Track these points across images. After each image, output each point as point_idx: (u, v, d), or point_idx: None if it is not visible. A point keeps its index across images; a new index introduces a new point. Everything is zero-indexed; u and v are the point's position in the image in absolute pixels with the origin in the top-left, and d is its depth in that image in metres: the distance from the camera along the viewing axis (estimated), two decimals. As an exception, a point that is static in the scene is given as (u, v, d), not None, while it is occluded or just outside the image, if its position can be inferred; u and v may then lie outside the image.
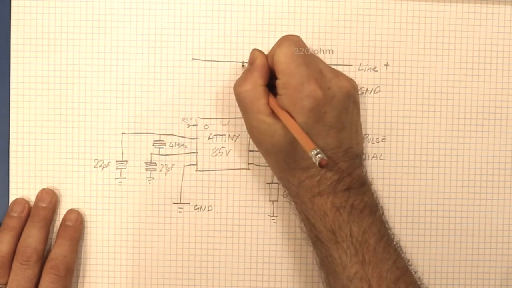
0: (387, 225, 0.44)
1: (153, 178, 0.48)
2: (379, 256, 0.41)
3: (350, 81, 0.44)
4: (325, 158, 0.38)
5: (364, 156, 0.46)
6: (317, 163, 0.38)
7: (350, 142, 0.43)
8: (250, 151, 0.48)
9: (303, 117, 0.41)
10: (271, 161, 0.44)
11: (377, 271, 0.41)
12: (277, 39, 0.47)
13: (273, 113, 0.42)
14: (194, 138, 0.48)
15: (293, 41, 0.42)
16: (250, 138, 0.47)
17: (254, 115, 0.42)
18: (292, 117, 0.41)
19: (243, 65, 0.47)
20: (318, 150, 0.38)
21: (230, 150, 0.48)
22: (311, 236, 0.44)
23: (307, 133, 0.40)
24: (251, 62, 0.44)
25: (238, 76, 0.46)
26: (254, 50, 0.44)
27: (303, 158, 0.42)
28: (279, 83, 0.42)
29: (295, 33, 0.47)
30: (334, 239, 0.41)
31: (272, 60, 0.42)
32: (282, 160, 0.42)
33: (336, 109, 0.42)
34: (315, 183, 0.42)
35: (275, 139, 0.42)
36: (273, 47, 0.43)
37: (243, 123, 0.45)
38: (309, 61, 0.42)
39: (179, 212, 0.48)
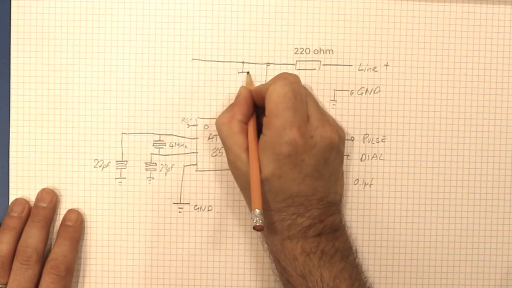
0: (359, 269, 0.44)
1: (153, 178, 0.48)
2: None
3: (337, 130, 0.44)
4: (261, 224, 0.39)
5: (342, 203, 0.46)
6: (253, 223, 0.39)
7: (326, 191, 0.43)
8: (250, 151, 0.48)
9: (279, 162, 0.41)
10: (245, 197, 0.45)
11: None
12: (276, 39, 0.47)
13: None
14: (194, 138, 0.48)
15: (289, 81, 0.42)
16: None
17: (229, 149, 0.43)
18: (261, 169, 0.41)
19: (248, 72, 0.47)
20: (260, 212, 0.39)
21: (230, 150, 0.48)
22: (282, 280, 0.44)
23: (280, 177, 0.41)
24: (236, 97, 0.45)
25: (238, 76, 0.47)
26: (241, 86, 0.45)
27: (275, 200, 0.42)
28: (264, 121, 0.42)
29: (295, 33, 0.47)
30: (305, 284, 0.41)
31: (264, 94, 0.42)
32: None
33: (315, 158, 0.42)
34: (285, 227, 0.42)
35: (248, 177, 0.42)
36: (269, 81, 0.43)
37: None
38: (298, 105, 0.41)
39: (179, 212, 0.48)
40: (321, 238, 0.42)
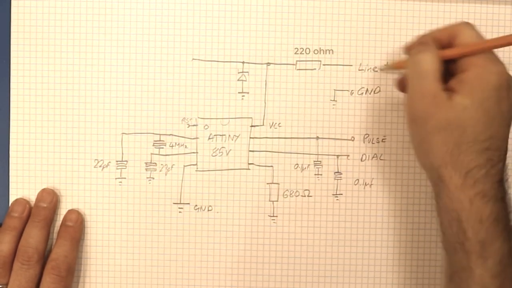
0: None
1: (153, 178, 0.48)
2: None
3: None
4: None
5: None
6: None
7: (507, 142, 0.39)
8: (250, 151, 0.48)
9: (484, 93, 0.37)
10: (436, 142, 0.38)
11: None
12: (276, 39, 0.47)
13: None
14: (194, 138, 0.48)
15: (475, 27, 0.40)
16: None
17: (425, 83, 0.39)
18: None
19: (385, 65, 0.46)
20: None
21: (230, 150, 0.48)
22: (452, 242, 0.38)
23: (487, 110, 0.37)
24: (421, 41, 0.41)
25: (238, 76, 0.46)
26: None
27: (477, 139, 0.37)
28: (463, 61, 0.39)
29: (295, 33, 0.47)
30: (481, 252, 0.36)
31: (449, 37, 0.40)
32: (455, 139, 0.37)
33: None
34: (481, 178, 0.37)
35: (454, 111, 0.37)
36: (448, 27, 0.41)
37: (243, 123, 0.45)
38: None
39: (179, 212, 0.48)
40: (506, 202, 0.38)
